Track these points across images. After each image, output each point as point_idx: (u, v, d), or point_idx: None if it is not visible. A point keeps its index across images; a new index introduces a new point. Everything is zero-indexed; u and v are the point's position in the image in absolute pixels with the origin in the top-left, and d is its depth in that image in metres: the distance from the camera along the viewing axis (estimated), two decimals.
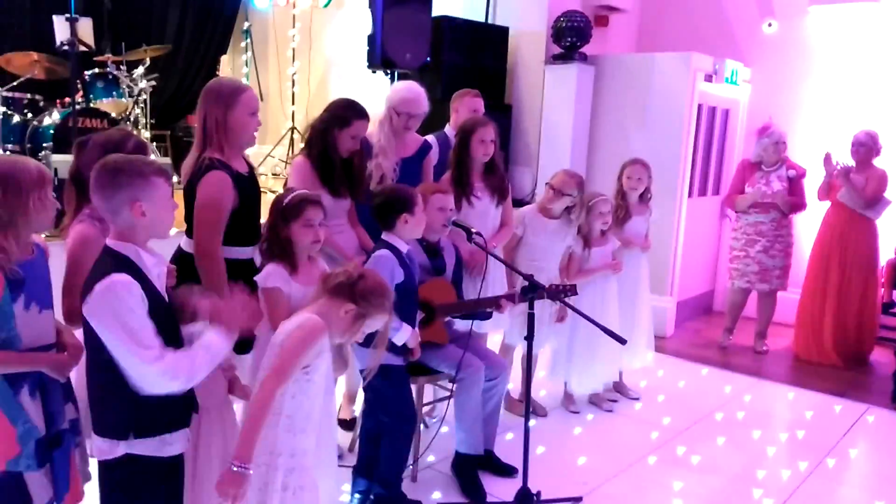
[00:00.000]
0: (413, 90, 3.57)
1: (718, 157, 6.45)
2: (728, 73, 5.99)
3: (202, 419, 2.25)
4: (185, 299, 2.16)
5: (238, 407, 2.49)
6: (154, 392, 1.84)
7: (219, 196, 2.59)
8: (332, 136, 3.11)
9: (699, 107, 5.81)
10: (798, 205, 5.30)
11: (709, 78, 5.82)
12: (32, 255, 2.03)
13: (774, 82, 6.30)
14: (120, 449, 1.90)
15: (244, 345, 2.59)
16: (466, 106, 4.03)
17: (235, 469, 1.94)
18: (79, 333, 2.09)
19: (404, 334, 2.88)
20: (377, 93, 5.72)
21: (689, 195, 5.92)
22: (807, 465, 3.67)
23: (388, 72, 5.41)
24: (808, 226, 5.66)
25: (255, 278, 2.55)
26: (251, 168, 2.88)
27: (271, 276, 2.51)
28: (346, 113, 3.13)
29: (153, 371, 1.80)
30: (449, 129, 4.05)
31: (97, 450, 1.94)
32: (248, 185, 2.74)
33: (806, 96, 6.18)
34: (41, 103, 5.74)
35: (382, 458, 2.97)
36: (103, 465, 1.94)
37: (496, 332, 3.96)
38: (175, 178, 2.91)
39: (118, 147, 2.35)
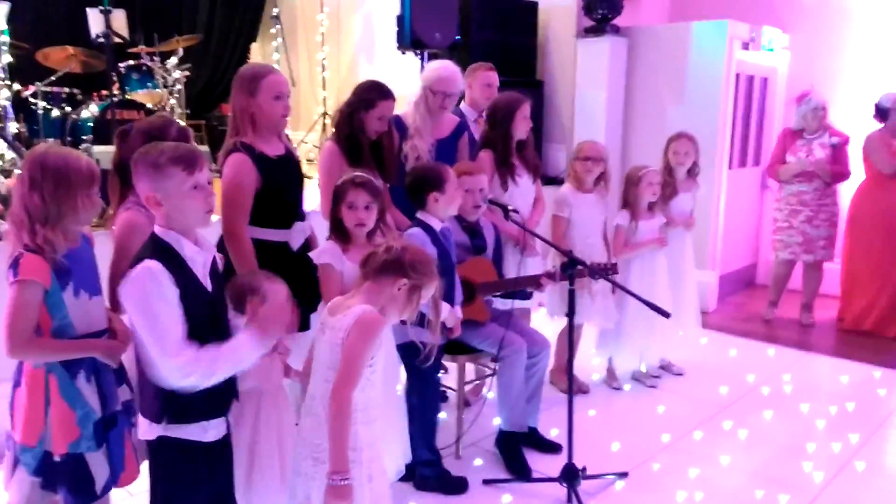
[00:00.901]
0: (449, 69, 3.54)
1: (758, 126, 6.30)
2: (766, 41, 5.83)
3: (261, 403, 2.28)
4: (252, 282, 2.18)
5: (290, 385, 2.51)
6: (168, 385, 1.83)
7: (237, 177, 2.64)
8: (359, 118, 3.10)
9: (737, 76, 5.68)
10: (842, 173, 5.15)
11: (746, 46, 5.67)
12: (78, 244, 2.08)
13: (814, 48, 6.12)
14: (156, 430, 1.92)
15: (301, 323, 2.64)
16: (480, 80, 3.94)
17: (335, 483, 1.91)
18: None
19: (443, 311, 2.87)
20: (407, 74, 5.70)
21: (730, 167, 5.80)
22: (858, 437, 3.59)
23: (418, 52, 5.37)
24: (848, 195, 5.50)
25: (309, 254, 2.63)
26: (289, 151, 2.89)
27: (324, 252, 2.60)
28: (370, 94, 3.11)
29: (169, 364, 1.80)
30: (465, 106, 3.99)
31: (140, 429, 1.98)
32: (277, 167, 2.75)
33: (847, 62, 5.98)
34: (79, 97, 5.84)
35: (412, 437, 2.98)
36: (147, 445, 1.98)
37: (553, 315, 3.94)
38: (215, 166, 2.96)
39: (161, 134, 2.37)
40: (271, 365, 2.28)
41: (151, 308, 1.80)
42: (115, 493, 2.29)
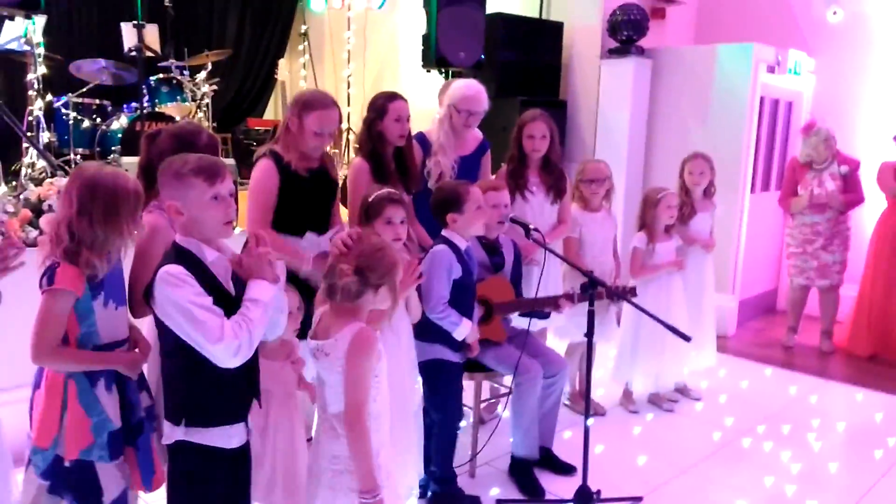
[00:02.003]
0: (473, 87, 3.58)
1: (782, 150, 6.26)
2: (791, 64, 5.80)
3: (270, 409, 2.30)
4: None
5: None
6: (230, 365, 1.86)
7: (260, 181, 2.78)
8: (377, 129, 3.19)
9: (761, 99, 5.66)
10: (855, 201, 5.11)
11: (771, 69, 5.65)
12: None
13: (840, 72, 6.09)
14: (176, 434, 1.94)
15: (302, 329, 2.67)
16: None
17: (368, 501, 1.95)
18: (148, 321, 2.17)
19: (464, 329, 2.89)
20: (432, 92, 5.75)
21: (752, 190, 5.77)
22: (878, 468, 3.53)
23: (443, 71, 5.43)
24: (871, 219, 5.46)
25: None
26: (324, 168, 2.97)
27: None
28: (379, 102, 3.21)
29: (219, 349, 1.82)
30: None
31: (164, 432, 2.00)
32: (303, 179, 2.85)
33: (872, 86, 5.94)
34: (109, 108, 5.95)
35: (433, 455, 2.99)
36: (168, 449, 2.00)
37: (562, 336, 3.94)
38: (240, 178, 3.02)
39: (191, 138, 2.42)
40: (282, 371, 2.31)
41: (183, 305, 1.81)
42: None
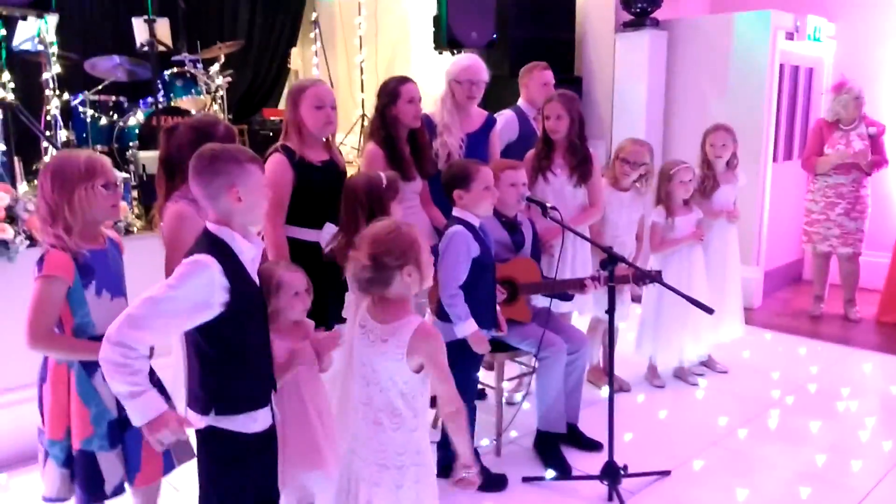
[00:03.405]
0: (470, 58, 3.62)
1: (804, 118, 6.15)
2: (811, 30, 5.68)
3: (302, 391, 2.33)
4: (270, 273, 2.27)
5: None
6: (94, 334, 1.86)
7: (273, 176, 2.75)
8: (391, 114, 3.20)
9: (781, 67, 5.56)
10: (880, 162, 5.05)
11: (790, 36, 5.54)
12: (103, 245, 2.15)
13: (861, 37, 5.95)
14: (205, 421, 1.95)
15: (324, 319, 2.70)
16: (536, 80, 4.02)
17: (470, 475, 2.07)
18: None
19: (466, 328, 2.83)
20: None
21: (774, 160, 5.68)
22: None
23: (455, 52, 5.38)
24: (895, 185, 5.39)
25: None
26: (334, 160, 3.01)
27: None
28: (390, 86, 3.23)
29: (113, 332, 1.75)
30: (523, 103, 4.06)
31: (191, 419, 2.01)
32: (316, 171, 2.90)
33: (893, 51, 5.81)
34: (125, 104, 5.99)
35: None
36: (198, 435, 2.01)
37: (582, 312, 3.91)
38: None
39: (209, 130, 2.44)
40: (301, 351, 2.32)
41: (170, 285, 1.79)
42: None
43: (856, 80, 5.19)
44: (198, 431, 1.99)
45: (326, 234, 2.86)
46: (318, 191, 2.89)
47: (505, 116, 4.02)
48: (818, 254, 5.30)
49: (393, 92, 3.19)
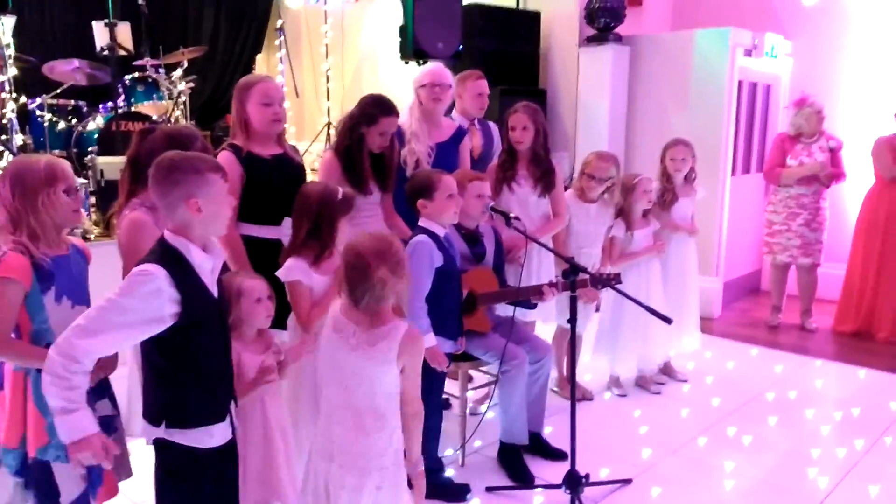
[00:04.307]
0: (433, 64, 3.65)
1: (761, 133, 6.31)
2: (768, 48, 5.84)
3: (265, 403, 2.30)
4: (230, 281, 2.24)
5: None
6: (52, 341, 1.78)
7: None
8: (360, 132, 3.13)
9: (740, 83, 5.69)
10: (838, 175, 5.22)
11: (748, 53, 5.69)
12: (66, 252, 2.11)
13: (816, 55, 6.13)
14: (155, 433, 1.92)
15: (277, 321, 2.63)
16: (470, 90, 3.89)
17: (420, 468, 2.19)
18: None
19: (426, 342, 2.76)
20: (411, 84, 5.73)
21: (733, 173, 5.80)
22: (863, 442, 3.58)
23: (421, 62, 5.40)
24: (851, 198, 5.55)
25: (276, 273, 2.58)
26: (287, 154, 2.99)
27: (291, 270, 2.56)
28: (373, 110, 3.13)
29: (53, 354, 1.73)
30: (456, 114, 3.96)
31: (144, 431, 1.97)
32: (267, 165, 2.88)
33: (848, 68, 6.00)
34: (84, 109, 5.89)
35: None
36: (154, 447, 1.97)
37: (546, 321, 3.92)
38: None
39: (185, 141, 2.39)
40: (263, 362, 2.29)
41: (115, 301, 1.75)
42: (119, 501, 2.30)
43: (813, 95, 5.35)
44: (154, 442, 1.95)
45: (286, 230, 2.80)
46: (271, 185, 2.86)
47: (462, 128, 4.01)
48: (777, 265, 5.43)
49: (371, 117, 3.11)
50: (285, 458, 2.36)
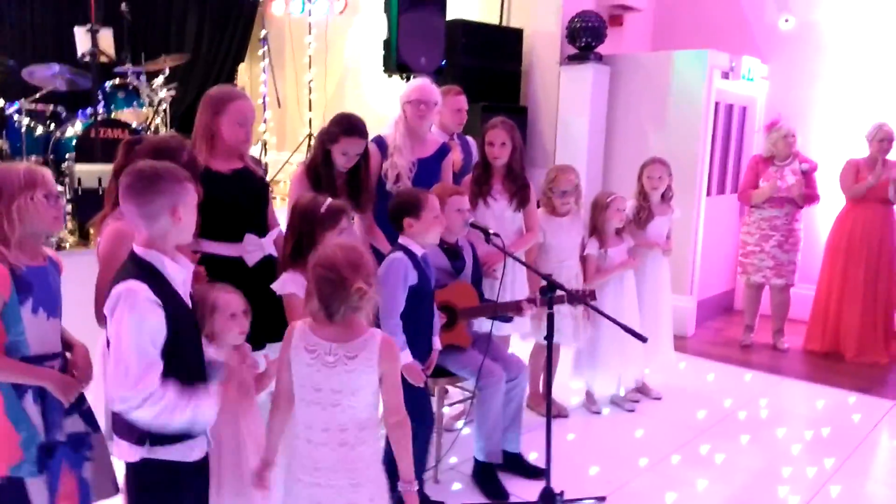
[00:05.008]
0: (421, 80, 3.64)
1: (737, 154, 6.41)
2: (745, 70, 5.95)
3: (239, 418, 2.27)
4: (205, 294, 2.20)
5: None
6: (126, 413, 1.79)
7: None
8: (326, 149, 3.12)
9: (717, 104, 5.79)
10: (812, 196, 5.31)
11: (725, 75, 5.79)
12: (43, 263, 2.08)
13: (792, 78, 6.26)
14: (139, 453, 1.89)
15: (258, 340, 2.61)
16: (449, 105, 3.95)
17: (411, 490, 2.12)
18: None
19: (402, 358, 2.72)
20: (393, 98, 5.76)
21: (708, 193, 5.89)
22: (833, 461, 3.63)
23: (405, 76, 5.43)
24: (823, 220, 5.65)
25: (271, 286, 2.57)
26: (248, 168, 2.87)
27: (287, 282, 2.55)
28: (334, 128, 3.11)
29: (125, 394, 1.75)
30: (435, 128, 3.97)
31: (118, 451, 1.94)
32: (226, 180, 2.75)
33: (823, 91, 6.13)
34: (63, 114, 5.83)
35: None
36: (128, 467, 1.94)
37: (525, 338, 3.95)
38: None
39: (173, 155, 2.34)
40: (242, 376, 2.28)
41: (121, 331, 1.76)
42: None
43: (787, 118, 5.45)
44: (128, 463, 1.93)
45: (249, 246, 2.78)
46: (229, 201, 2.73)
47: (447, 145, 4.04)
48: (751, 284, 5.51)
49: (332, 135, 3.09)
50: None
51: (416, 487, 2.13)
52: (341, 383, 2.01)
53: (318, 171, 3.12)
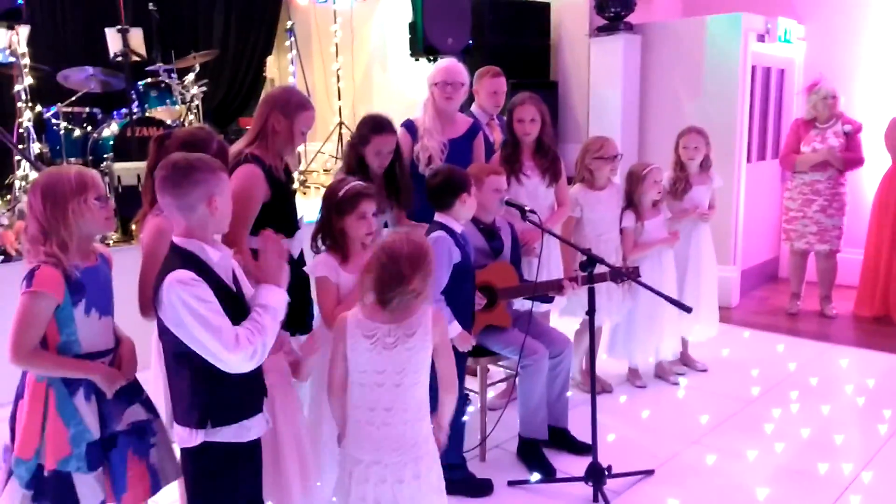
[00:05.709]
0: (448, 61, 3.64)
1: (776, 119, 6.25)
2: (781, 32, 5.78)
3: (275, 403, 2.30)
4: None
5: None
6: (240, 371, 1.86)
7: (249, 189, 2.62)
8: (359, 152, 3.14)
9: (753, 68, 5.64)
10: (856, 160, 5.14)
11: (761, 38, 5.63)
12: (95, 262, 2.11)
13: (830, 38, 6.06)
14: (199, 437, 1.92)
15: (298, 325, 2.67)
16: (486, 88, 3.94)
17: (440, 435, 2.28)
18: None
19: (452, 330, 2.82)
20: (421, 81, 5.73)
21: (748, 160, 5.76)
22: (886, 428, 3.54)
23: (431, 58, 5.40)
24: (869, 181, 5.48)
25: (304, 268, 2.63)
26: (287, 169, 2.95)
27: (319, 265, 2.59)
28: (363, 130, 3.14)
29: (234, 357, 1.82)
30: (476, 109, 4.01)
31: (178, 437, 1.98)
32: (282, 182, 2.81)
33: (866, 49, 5.92)
34: (99, 116, 5.93)
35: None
36: (186, 453, 1.97)
37: (563, 315, 3.92)
38: None
39: (202, 146, 2.36)
40: (278, 362, 2.30)
41: (198, 312, 1.80)
42: None
43: (829, 79, 5.28)
44: (185, 449, 1.96)
45: (297, 243, 2.84)
46: (287, 199, 2.86)
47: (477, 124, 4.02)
48: (795, 251, 5.38)
49: (363, 138, 3.11)
50: (297, 457, 2.37)
51: (446, 433, 2.29)
52: (403, 361, 2.08)
53: (356, 175, 3.11)
